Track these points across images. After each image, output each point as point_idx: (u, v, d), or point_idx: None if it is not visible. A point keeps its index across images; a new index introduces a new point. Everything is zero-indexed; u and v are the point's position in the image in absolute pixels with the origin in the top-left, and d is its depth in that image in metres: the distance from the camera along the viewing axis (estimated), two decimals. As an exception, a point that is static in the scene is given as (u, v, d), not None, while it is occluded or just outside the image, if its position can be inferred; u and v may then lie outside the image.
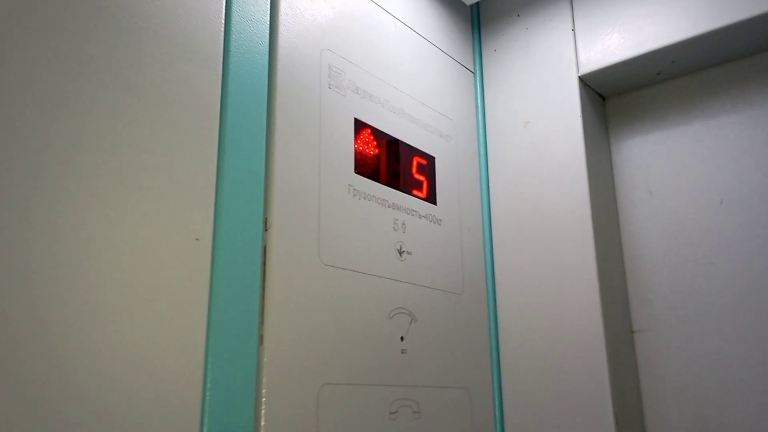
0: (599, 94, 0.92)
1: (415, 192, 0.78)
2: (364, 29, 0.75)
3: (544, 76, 0.89)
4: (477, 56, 0.97)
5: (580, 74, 0.86)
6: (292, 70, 0.64)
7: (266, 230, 0.58)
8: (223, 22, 0.58)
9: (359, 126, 0.71)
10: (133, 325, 0.45)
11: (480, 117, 0.94)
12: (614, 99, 0.93)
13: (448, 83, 0.89)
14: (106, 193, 0.46)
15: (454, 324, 0.78)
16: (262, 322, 0.56)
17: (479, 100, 0.95)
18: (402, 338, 0.70)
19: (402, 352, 0.69)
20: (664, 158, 0.86)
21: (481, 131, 0.93)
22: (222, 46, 0.57)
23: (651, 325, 0.82)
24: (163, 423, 0.45)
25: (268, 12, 0.63)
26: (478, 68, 0.97)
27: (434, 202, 0.80)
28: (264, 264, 0.57)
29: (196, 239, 0.51)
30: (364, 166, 0.70)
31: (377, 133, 0.73)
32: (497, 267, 0.88)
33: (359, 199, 0.68)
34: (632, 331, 0.84)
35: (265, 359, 0.55)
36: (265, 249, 0.57)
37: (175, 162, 0.51)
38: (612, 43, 0.84)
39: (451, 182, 0.84)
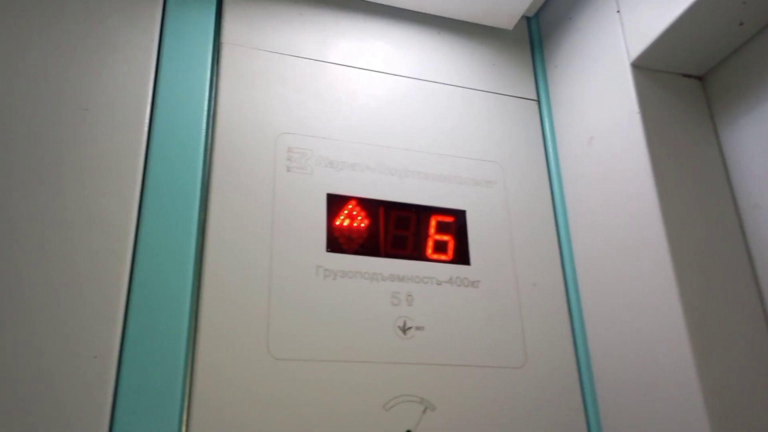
0: (687, 75, 0.69)
1: (434, 255, 0.67)
2: (347, 98, 0.72)
3: (598, 75, 0.72)
4: (541, 81, 0.83)
5: (632, 60, 0.67)
6: (234, 162, 0.64)
7: (195, 332, 0.56)
8: (146, 128, 0.61)
9: (336, 201, 0.66)
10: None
11: (550, 145, 0.79)
12: (713, 75, 0.69)
13: (493, 124, 0.77)
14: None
15: (509, 405, 0.63)
16: (188, 421, 0.53)
17: (547, 129, 0.80)
18: (409, 432, 0.59)
19: (410, 450, 0.58)
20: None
21: (552, 162, 0.78)
22: (142, 153, 0.60)
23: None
24: None
25: (204, 111, 0.65)
26: (543, 94, 0.82)
27: (466, 263, 0.68)
28: (191, 366, 0.55)
29: (94, 357, 0.52)
30: (345, 242, 0.64)
31: (366, 203, 0.67)
32: (589, 326, 0.69)
33: (333, 279, 0.62)
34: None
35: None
36: (193, 358, 0.55)
37: (79, 265, 0.54)
38: (656, 7, 0.64)
39: (495, 234, 0.71)
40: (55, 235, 0.55)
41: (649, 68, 0.67)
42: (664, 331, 0.58)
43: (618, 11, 0.69)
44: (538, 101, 0.82)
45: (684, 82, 0.69)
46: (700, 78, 0.70)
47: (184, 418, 0.53)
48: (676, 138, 0.65)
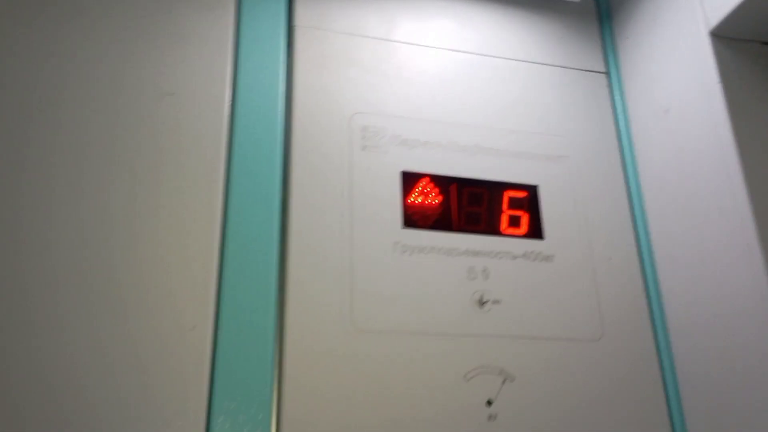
0: (767, 43, 0.67)
1: (508, 230, 0.68)
2: (416, 77, 0.73)
3: (673, 45, 0.70)
4: (610, 54, 0.82)
5: (710, 29, 0.65)
6: (311, 143, 0.65)
7: (282, 307, 0.59)
8: (228, 112, 0.63)
9: (410, 178, 0.67)
10: (128, 414, 0.51)
11: (621, 118, 0.78)
12: (795, 39, 0.67)
13: (563, 99, 0.77)
14: (103, 283, 0.54)
15: (587, 377, 0.64)
16: (279, 404, 0.55)
17: (617, 101, 0.79)
18: (490, 402, 0.60)
19: (490, 419, 0.59)
20: None
21: (624, 135, 0.77)
22: (226, 136, 0.62)
23: None
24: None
25: (281, 94, 0.66)
26: (613, 66, 0.81)
27: (539, 237, 0.69)
28: (280, 348, 0.57)
29: (193, 328, 0.55)
30: (420, 219, 0.66)
31: (439, 180, 0.68)
32: (666, 298, 0.69)
33: (410, 255, 0.64)
34: None
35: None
36: (282, 329, 0.58)
37: (172, 245, 0.57)
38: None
39: (568, 209, 0.71)
40: (148, 216, 0.58)
41: (727, 37, 0.66)
42: (747, 303, 0.58)
43: (695, -23, 0.68)
44: (608, 74, 0.81)
45: (764, 50, 0.67)
46: (777, 44, 0.68)
47: (276, 385, 0.55)
48: (758, 107, 0.63)
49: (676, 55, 0.70)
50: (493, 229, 0.67)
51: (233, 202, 0.60)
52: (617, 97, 0.79)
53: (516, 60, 0.78)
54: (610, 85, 0.80)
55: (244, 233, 0.60)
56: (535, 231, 0.69)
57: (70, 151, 0.58)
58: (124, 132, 0.60)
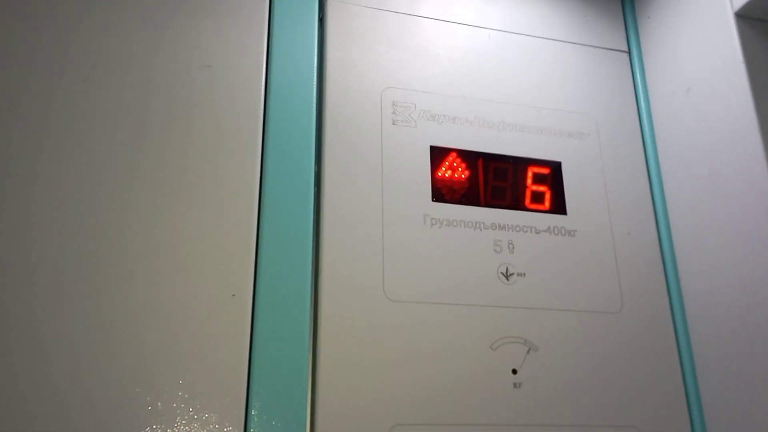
0: (791, 23, 0.69)
1: (532, 206, 0.70)
2: (444, 53, 0.74)
3: (697, 25, 0.71)
4: (632, 32, 0.83)
5: (735, 10, 0.67)
6: (343, 117, 0.67)
7: (317, 276, 0.61)
8: (264, 85, 0.64)
9: (438, 153, 0.69)
10: (173, 378, 0.53)
11: (642, 97, 0.80)
12: (819, 22, 0.68)
13: (585, 77, 0.78)
14: (152, 255, 0.56)
15: (607, 349, 0.66)
16: (314, 369, 0.58)
17: (638, 80, 0.81)
18: (515, 371, 0.63)
19: (515, 387, 0.62)
20: None
21: (644, 114, 0.79)
22: (261, 109, 0.63)
23: None
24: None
25: (314, 68, 0.67)
26: (634, 45, 0.83)
27: (563, 212, 0.71)
28: (315, 315, 0.59)
29: (233, 295, 0.57)
30: (448, 192, 0.67)
31: (466, 155, 0.70)
32: (682, 272, 0.71)
33: (439, 228, 0.66)
34: None
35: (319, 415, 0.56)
36: (316, 297, 0.60)
37: (209, 216, 0.58)
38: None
39: (590, 185, 0.73)
40: (186, 186, 0.59)
41: (752, 17, 0.67)
42: (766, 282, 0.60)
43: (722, -42, 0.69)
44: (629, 53, 0.82)
45: (785, 31, 0.68)
46: (804, 27, 0.69)
47: (311, 352, 0.58)
48: (781, 88, 0.65)
49: (700, 34, 0.71)
50: (518, 204, 0.69)
51: (269, 175, 0.62)
52: (638, 76, 0.81)
53: (540, 38, 0.79)
54: (631, 64, 0.82)
55: (280, 205, 0.61)
56: (559, 206, 0.71)
57: (105, 121, 0.59)
58: (160, 103, 0.61)
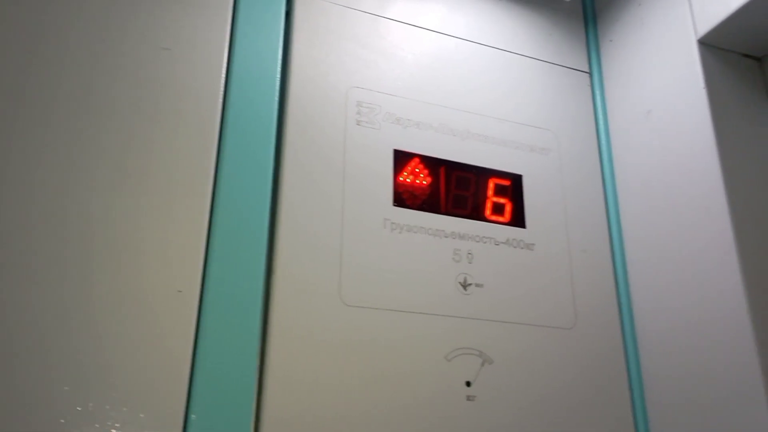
0: (747, 56, 0.71)
1: (492, 217, 0.69)
2: (411, 57, 0.72)
3: (660, 50, 0.73)
4: (594, 54, 0.84)
5: (699, 37, 0.68)
6: (306, 113, 0.64)
7: (269, 276, 0.58)
8: (224, 74, 0.61)
9: (402, 157, 0.67)
10: (106, 377, 0.49)
11: (601, 117, 0.80)
12: (771, 56, 0.70)
13: (548, 93, 0.78)
14: (94, 245, 0.51)
15: (559, 364, 0.65)
16: (261, 372, 0.54)
17: (598, 101, 0.81)
18: (469, 383, 0.61)
19: (469, 399, 0.60)
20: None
21: (603, 133, 0.79)
22: (221, 99, 0.60)
23: None
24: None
25: (279, 61, 0.65)
26: (596, 67, 0.84)
27: (521, 225, 0.70)
28: (265, 317, 0.56)
29: (179, 291, 0.53)
30: (409, 198, 0.66)
31: (429, 161, 0.68)
32: (634, 291, 0.71)
33: (399, 233, 0.64)
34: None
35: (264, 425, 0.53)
36: (267, 298, 0.57)
37: (158, 205, 0.54)
38: (728, -14, 0.65)
39: (550, 200, 0.73)
40: (136, 171, 0.55)
41: (714, 46, 0.69)
42: (717, 305, 0.61)
43: (686, -13, 0.70)
44: (590, 74, 0.83)
45: (744, 62, 0.70)
46: (759, 59, 0.71)
47: (259, 356, 0.54)
48: (737, 115, 0.66)
49: (662, 59, 0.72)
50: (478, 214, 0.68)
51: (225, 166, 0.59)
52: (598, 97, 0.82)
53: (506, 51, 0.79)
54: (592, 85, 0.82)
55: (235, 199, 0.58)
56: (518, 219, 0.70)
57: (65, 100, 0.55)
58: (124, 83, 0.57)
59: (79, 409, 0.47)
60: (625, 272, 0.73)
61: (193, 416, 0.50)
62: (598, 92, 0.82)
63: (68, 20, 0.58)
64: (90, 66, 0.57)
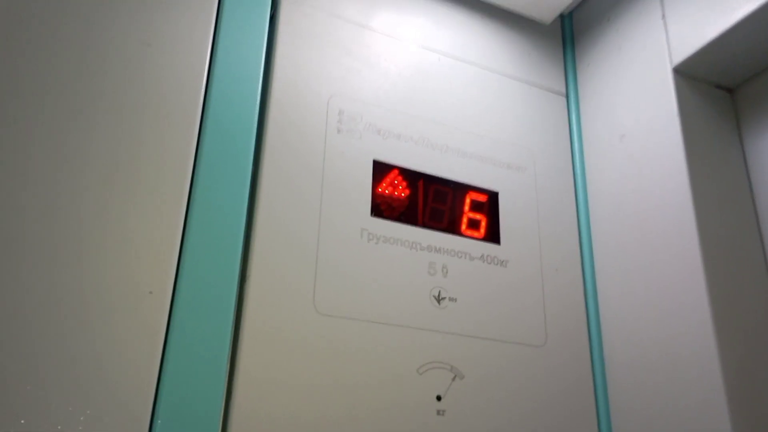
0: (720, 86, 0.73)
1: (467, 232, 0.69)
2: (394, 69, 0.73)
3: (636, 76, 0.75)
4: (571, 77, 0.86)
5: (674, 65, 0.70)
6: (287, 118, 0.64)
7: (243, 280, 0.56)
8: (206, 72, 0.60)
9: (381, 168, 0.67)
10: (69, 379, 0.47)
11: (576, 139, 0.82)
12: (743, 89, 0.73)
13: (525, 113, 0.79)
14: (63, 241, 0.49)
15: (529, 381, 0.65)
16: (231, 377, 0.53)
17: (573, 123, 0.83)
18: (439, 398, 0.60)
19: (439, 414, 0.60)
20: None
21: (577, 155, 0.81)
22: (201, 97, 0.59)
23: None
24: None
25: (261, 64, 0.64)
26: (572, 89, 0.85)
27: (496, 242, 0.70)
28: (238, 317, 0.55)
29: (150, 292, 0.52)
30: (387, 209, 0.65)
31: (408, 173, 0.68)
32: (603, 312, 0.72)
33: (376, 243, 0.63)
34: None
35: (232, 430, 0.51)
36: (240, 303, 0.56)
37: (133, 202, 0.53)
38: (704, 18, 0.67)
39: (525, 218, 0.73)
40: (110, 167, 0.54)
41: (688, 75, 0.70)
42: (685, 327, 0.62)
43: (663, 17, 0.72)
44: (567, 96, 0.85)
45: (716, 93, 0.72)
46: (730, 90, 0.73)
47: (229, 361, 0.53)
48: (708, 143, 0.68)
49: (638, 85, 0.74)
50: (454, 229, 0.68)
51: (202, 167, 0.57)
52: (573, 119, 0.83)
53: (486, 69, 0.80)
54: (568, 106, 0.84)
55: (211, 201, 0.57)
56: (493, 235, 0.70)
57: (40, 92, 0.53)
58: (104, 78, 0.56)
59: (40, 409, 0.45)
60: (595, 292, 0.74)
61: (159, 422, 0.48)
62: (573, 114, 0.83)
63: (50, 12, 0.56)
64: (69, 59, 0.55)
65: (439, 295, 0.64)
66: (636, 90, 0.74)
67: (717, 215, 0.65)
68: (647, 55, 0.73)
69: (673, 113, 0.68)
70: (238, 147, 0.60)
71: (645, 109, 0.72)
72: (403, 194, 0.67)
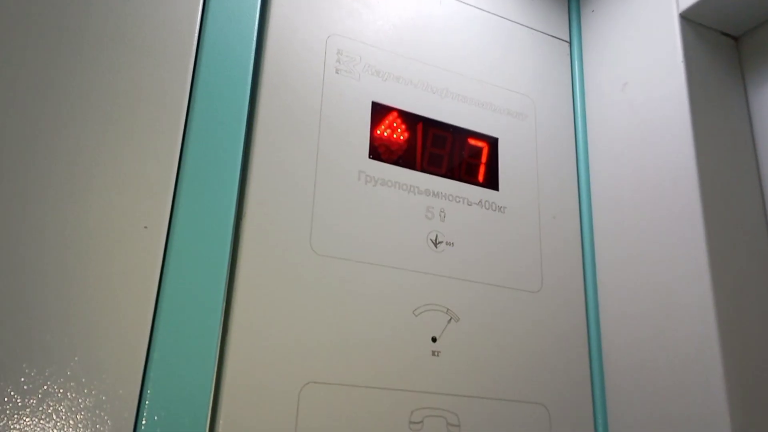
0: (725, 34, 0.72)
1: (466, 177, 0.69)
2: (394, 11, 0.71)
3: (641, 22, 0.73)
4: (575, 24, 0.84)
5: (681, 11, 0.68)
6: (284, 57, 0.62)
7: (239, 217, 0.56)
8: (199, 18, 0.59)
9: (380, 110, 0.66)
10: (72, 317, 0.47)
11: (578, 87, 0.80)
12: (749, 37, 0.71)
13: (528, 59, 0.78)
14: (57, 177, 0.49)
15: (524, 326, 0.66)
16: (226, 315, 0.53)
17: (576, 70, 0.81)
18: (434, 339, 0.61)
19: (434, 355, 0.60)
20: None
21: (579, 103, 0.80)
22: (196, 35, 0.58)
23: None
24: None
25: (258, 3, 0.63)
26: (575, 36, 0.83)
27: (495, 188, 0.70)
28: (234, 255, 0.55)
29: (145, 227, 0.51)
30: (385, 152, 0.65)
31: (407, 116, 0.67)
32: (600, 260, 0.72)
33: (373, 186, 0.63)
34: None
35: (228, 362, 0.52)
36: (236, 239, 0.55)
37: (127, 135, 0.52)
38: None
39: (524, 165, 0.73)
40: (105, 102, 0.53)
41: (695, 21, 0.69)
42: (685, 277, 0.62)
43: (672, -41, 0.70)
44: (570, 43, 0.83)
45: (721, 40, 0.71)
46: (735, 38, 0.72)
47: (225, 295, 0.53)
48: (712, 91, 0.67)
49: (642, 32, 0.72)
50: (453, 174, 0.68)
51: (198, 102, 0.57)
52: (576, 66, 0.82)
53: (489, 12, 0.78)
54: (571, 54, 0.82)
55: (207, 137, 0.56)
56: (492, 182, 0.70)
57: (40, 31, 0.52)
58: (95, 12, 0.54)
59: (33, 348, 0.45)
60: (592, 240, 0.74)
61: (155, 355, 0.49)
62: (576, 62, 0.82)
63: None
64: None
65: (436, 239, 0.64)
66: (641, 37, 0.73)
67: (718, 164, 0.64)
68: (653, 2, 0.72)
69: (678, 60, 0.67)
70: (235, 84, 0.59)
71: (649, 56, 0.71)
72: (402, 137, 0.66)
